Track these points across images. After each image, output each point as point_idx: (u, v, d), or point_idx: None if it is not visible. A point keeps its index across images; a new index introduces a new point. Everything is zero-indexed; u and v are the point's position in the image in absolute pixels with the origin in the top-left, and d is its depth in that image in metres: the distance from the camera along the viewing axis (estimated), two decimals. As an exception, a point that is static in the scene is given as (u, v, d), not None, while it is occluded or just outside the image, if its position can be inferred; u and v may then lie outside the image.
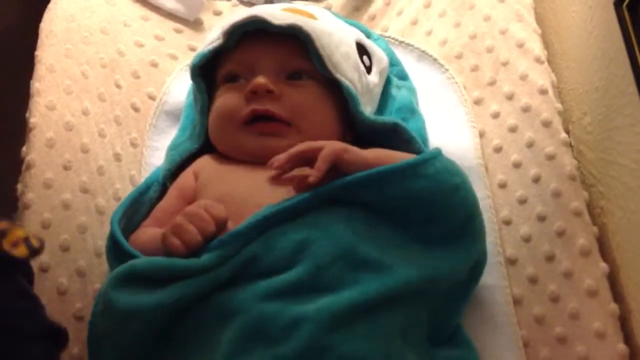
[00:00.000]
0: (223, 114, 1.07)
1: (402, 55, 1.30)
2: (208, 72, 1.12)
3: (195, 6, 1.37)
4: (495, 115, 1.19)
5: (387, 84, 1.21)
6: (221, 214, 0.90)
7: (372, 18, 1.41)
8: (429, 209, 0.94)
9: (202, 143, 1.12)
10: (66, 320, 0.98)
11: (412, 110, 1.19)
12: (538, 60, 1.20)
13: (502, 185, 1.13)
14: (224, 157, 1.08)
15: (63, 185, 1.07)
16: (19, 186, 1.06)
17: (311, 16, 1.10)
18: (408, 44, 1.33)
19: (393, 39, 1.35)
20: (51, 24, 1.24)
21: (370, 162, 0.96)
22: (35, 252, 0.83)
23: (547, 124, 1.14)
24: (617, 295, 1.01)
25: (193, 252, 0.88)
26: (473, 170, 1.15)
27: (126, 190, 1.13)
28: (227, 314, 0.86)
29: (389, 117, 1.12)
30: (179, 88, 1.26)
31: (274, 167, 0.95)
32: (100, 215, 1.09)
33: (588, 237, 1.04)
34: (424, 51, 1.31)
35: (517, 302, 1.04)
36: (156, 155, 1.19)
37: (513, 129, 1.16)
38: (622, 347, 0.96)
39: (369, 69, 1.14)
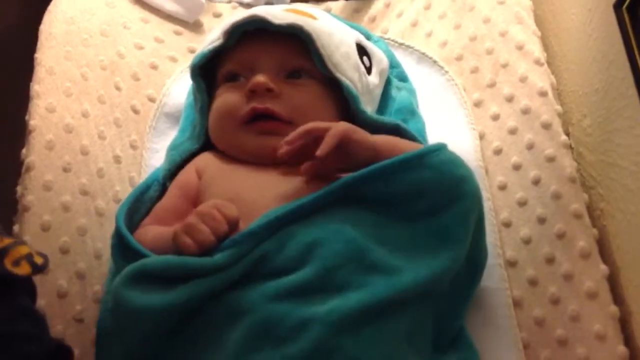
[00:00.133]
0: (223, 112, 1.07)
1: (402, 57, 1.30)
2: (208, 72, 1.12)
3: (195, 8, 1.37)
4: (495, 117, 1.20)
5: (387, 85, 1.21)
6: (234, 214, 0.90)
7: (372, 20, 1.41)
8: (434, 199, 0.94)
9: (202, 143, 1.12)
10: (66, 322, 0.98)
11: (412, 112, 1.19)
12: (538, 62, 1.21)
13: (502, 187, 1.13)
14: (227, 156, 1.08)
15: (63, 187, 1.07)
16: (19, 188, 1.06)
17: (311, 17, 1.11)
18: (408, 46, 1.33)
19: (393, 40, 1.35)
20: (51, 26, 1.24)
21: (379, 146, 0.97)
22: (38, 269, 0.83)
23: (547, 126, 1.14)
24: (617, 297, 1.01)
25: (205, 251, 0.88)
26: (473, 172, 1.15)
27: (126, 193, 1.13)
28: (236, 314, 0.86)
29: (390, 118, 1.12)
30: (179, 90, 1.26)
31: (284, 142, 0.95)
32: (100, 217, 1.09)
33: (588, 239, 1.04)
34: (423, 53, 1.32)
35: (517, 304, 1.04)
36: (156, 157, 1.19)
37: (513, 131, 1.16)
38: (622, 349, 0.96)
39: (369, 70, 1.14)
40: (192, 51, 1.34)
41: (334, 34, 1.09)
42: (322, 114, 1.07)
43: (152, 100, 1.25)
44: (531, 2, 1.30)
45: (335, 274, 0.87)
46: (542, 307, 1.02)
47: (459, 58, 1.28)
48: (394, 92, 1.20)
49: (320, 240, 0.89)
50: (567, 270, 1.03)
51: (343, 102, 1.09)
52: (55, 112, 1.13)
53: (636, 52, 0.94)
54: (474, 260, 0.99)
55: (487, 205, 1.11)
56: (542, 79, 1.19)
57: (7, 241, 0.81)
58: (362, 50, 1.15)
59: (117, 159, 1.16)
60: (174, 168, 1.09)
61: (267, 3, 1.43)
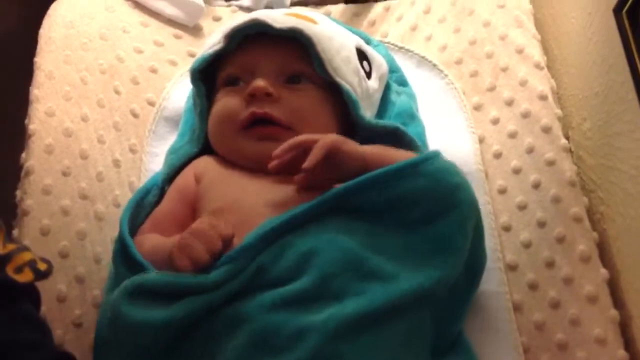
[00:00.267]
0: (222, 117, 1.07)
1: (401, 61, 1.30)
2: (208, 76, 1.12)
3: (194, 12, 1.37)
4: (495, 121, 1.19)
5: (387, 89, 1.21)
6: (228, 231, 0.90)
7: (372, 24, 1.41)
8: (430, 207, 0.94)
9: (201, 147, 1.12)
10: (65, 327, 0.98)
11: (411, 116, 1.19)
12: (538, 66, 1.21)
13: (502, 191, 1.13)
14: (225, 161, 1.08)
15: (62, 191, 1.07)
16: (18, 192, 1.06)
17: (312, 21, 1.11)
18: (408, 50, 1.33)
19: (393, 44, 1.35)
20: (50, 30, 1.24)
21: (368, 156, 0.96)
22: (41, 275, 0.83)
23: (546, 130, 1.13)
24: (618, 301, 1.01)
25: (201, 269, 0.88)
26: (473, 176, 1.15)
27: (125, 197, 1.13)
28: (234, 325, 0.86)
29: (389, 121, 1.11)
30: (179, 94, 1.26)
31: (273, 155, 0.96)
32: (99, 221, 1.08)
33: (588, 243, 1.04)
34: (423, 57, 1.32)
35: (517, 308, 1.04)
36: (155, 161, 1.18)
37: (513, 135, 1.16)
38: (622, 353, 0.96)
39: (368, 75, 1.15)
40: (191, 55, 1.34)
41: (334, 38, 1.09)
42: (321, 119, 1.07)
43: (151, 104, 1.25)
44: (531, 6, 1.30)
45: (332, 283, 0.87)
46: (542, 311, 1.02)
47: (459, 62, 1.28)
48: (393, 97, 1.20)
49: (316, 250, 0.88)
50: (567, 274, 1.03)
51: (342, 107, 1.09)
52: (55, 116, 1.13)
53: (636, 56, 0.94)
54: (473, 265, 0.99)
55: (486, 209, 1.11)
56: (542, 82, 1.19)
57: (10, 247, 0.81)
58: (362, 55, 1.15)
59: (116, 163, 1.15)
60: (173, 172, 1.09)
61: (266, 6, 1.43)
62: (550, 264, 1.04)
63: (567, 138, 1.14)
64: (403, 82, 1.25)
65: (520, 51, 1.23)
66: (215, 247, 0.88)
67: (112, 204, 1.11)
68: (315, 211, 0.92)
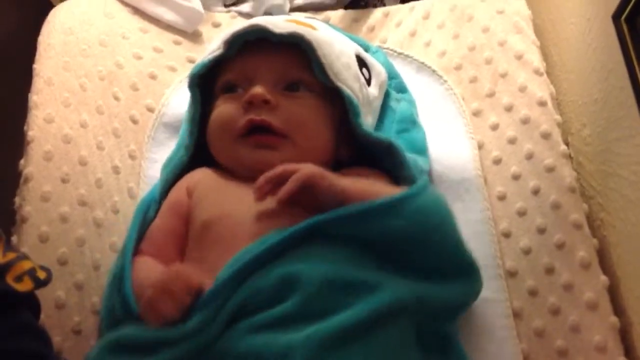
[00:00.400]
0: (221, 124, 1.07)
1: (401, 67, 1.30)
2: (207, 82, 1.12)
3: (194, 18, 1.37)
4: (495, 127, 1.19)
5: (387, 97, 1.21)
6: (194, 282, 0.87)
7: (371, 29, 1.41)
8: (407, 247, 0.93)
9: (191, 153, 1.11)
10: (64, 334, 0.98)
11: (413, 122, 1.19)
12: (537, 72, 1.21)
13: (502, 197, 1.13)
14: (220, 171, 1.07)
15: (61, 198, 1.07)
16: (17, 199, 1.06)
17: (311, 27, 1.10)
18: (407, 56, 1.33)
19: (392, 50, 1.35)
20: (49, 36, 1.24)
21: (348, 191, 0.94)
22: (41, 283, 0.83)
23: (546, 136, 1.13)
24: (618, 308, 1.01)
25: (174, 322, 0.86)
26: (472, 181, 1.15)
27: (124, 203, 1.13)
28: (219, 355, 0.85)
29: (386, 136, 1.10)
30: (178, 100, 1.26)
31: (254, 191, 0.94)
32: (98, 227, 1.08)
33: (588, 249, 1.04)
34: (422, 62, 1.32)
35: (517, 315, 1.03)
36: (155, 167, 1.18)
37: (512, 141, 1.16)
38: (622, 360, 0.96)
39: (368, 82, 1.14)
40: (191, 61, 1.33)
41: (334, 45, 1.09)
42: (318, 128, 1.06)
43: (150, 110, 1.25)
44: (530, 12, 1.30)
45: (316, 301, 0.86)
46: (542, 317, 1.02)
47: (458, 68, 1.28)
48: (393, 104, 1.20)
49: (296, 272, 0.87)
50: (567, 280, 1.02)
51: (341, 116, 1.08)
52: (54, 123, 1.13)
53: (635, 63, 0.94)
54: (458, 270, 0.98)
55: (486, 215, 1.11)
56: (541, 88, 1.19)
57: (10, 256, 0.82)
58: (361, 62, 1.14)
59: (115, 170, 1.15)
60: (168, 186, 1.08)
61: (266, 12, 1.43)
62: (550, 271, 1.04)
63: (567, 144, 1.14)
64: (402, 89, 1.25)
65: (519, 57, 1.23)
66: (183, 302, 0.86)
67: (111, 210, 1.11)
68: (290, 241, 0.91)
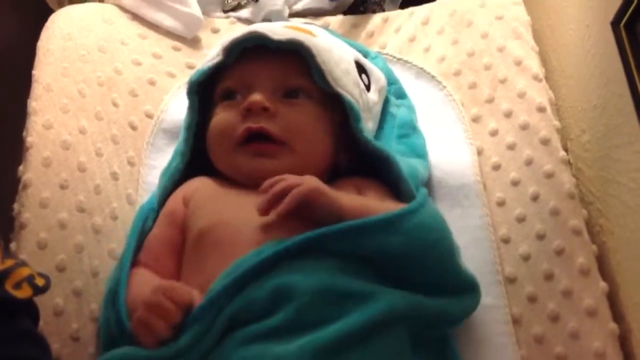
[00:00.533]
0: (220, 131, 1.07)
1: (400, 72, 1.30)
2: (206, 89, 1.11)
3: (193, 24, 1.37)
4: (494, 133, 1.19)
5: (386, 102, 1.21)
6: (184, 298, 0.87)
7: (370, 35, 1.41)
8: (404, 264, 0.93)
9: (191, 160, 1.11)
10: (62, 341, 0.98)
11: (413, 127, 1.19)
12: (536, 77, 1.21)
13: (501, 203, 1.13)
14: (218, 179, 1.07)
15: (59, 204, 1.07)
16: (16, 206, 1.06)
17: (310, 33, 1.11)
18: (406, 61, 1.33)
19: (391, 56, 1.35)
20: (48, 42, 1.24)
21: (345, 210, 0.94)
22: (40, 290, 0.83)
23: (545, 142, 1.13)
24: (617, 314, 1.00)
25: (166, 339, 0.86)
26: (471, 187, 1.15)
27: (123, 209, 1.13)
28: None
29: (385, 147, 1.09)
30: (177, 106, 1.25)
31: (257, 207, 0.94)
32: (97, 234, 1.08)
33: (587, 255, 1.03)
34: (421, 68, 1.32)
35: (516, 321, 1.03)
36: (153, 173, 1.17)
37: (511, 147, 1.16)
38: (622, 366, 0.96)
39: (367, 87, 1.14)
40: (190, 67, 1.33)
41: (334, 51, 1.09)
42: (317, 135, 1.06)
43: (149, 116, 1.25)
44: (529, 17, 1.30)
45: (309, 312, 0.86)
46: (541, 324, 1.02)
47: (457, 73, 1.28)
48: (393, 110, 1.20)
49: (289, 283, 0.87)
50: (567, 286, 1.02)
51: (340, 122, 1.08)
52: (53, 129, 1.13)
53: (634, 69, 0.94)
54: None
55: (485, 221, 1.11)
56: (540, 94, 1.19)
57: (8, 263, 0.82)
58: (360, 68, 1.15)
59: (114, 176, 1.15)
60: (166, 194, 1.08)
61: (265, 18, 1.43)
62: (549, 277, 1.04)
63: (566, 150, 1.14)
64: (401, 94, 1.25)
65: (518, 63, 1.23)
66: (174, 320, 0.86)
67: (109, 216, 1.11)
68: (285, 254, 0.90)
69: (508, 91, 1.21)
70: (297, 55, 1.06)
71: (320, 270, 0.90)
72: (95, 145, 1.16)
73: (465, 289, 0.99)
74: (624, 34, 0.96)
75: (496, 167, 1.16)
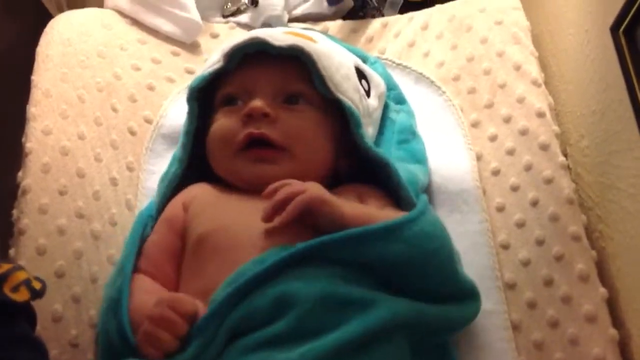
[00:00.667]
0: (220, 137, 1.07)
1: (399, 78, 1.30)
2: (206, 95, 1.11)
3: (192, 29, 1.37)
4: (493, 138, 1.19)
5: (386, 108, 1.21)
6: (188, 308, 0.87)
7: (370, 40, 1.41)
8: (405, 272, 0.94)
9: (190, 166, 1.10)
10: (61, 347, 0.98)
11: (413, 132, 1.19)
12: (535, 83, 1.20)
13: (500, 209, 1.12)
14: (217, 185, 1.07)
15: (58, 210, 1.07)
16: (15, 212, 1.06)
17: (310, 39, 1.10)
18: (405, 66, 1.33)
19: (390, 61, 1.35)
20: (48, 48, 1.24)
21: (347, 218, 0.94)
22: (37, 294, 0.83)
23: (544, 147, 1.13)
24: (617, 320, 1.00)
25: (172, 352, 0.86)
26: (471, 193, 1.15)
27: (122, 215, 1.12)
28: None
29: (386, 154, 1.09)
30: (176, 111, 1.25)
31: (262, 216, 0.94)
32: (96, 240, 1.08)
33: (587, 261, 1.03)
34: (421, 73, 1.31)
35: (515, 327, 1.03)
36: (152, 179, 1.17)
37: (511, 152, 1.16)
38: (621, 372, 0.96)
39: (367, 93, 1.14)
40: (189, 72, 1.33)
41: (334, 57, 1.09)
42: (318, 141, 1.06)
43: (148, 121, 1.25)
44: (528, 23, 1.30)
45: (310, 319, 0.86)
46: (540, 330, 1.02)
47: (456, 78, 1.28)
48: (393, 115, 1.20)
49: (290, 291, 0.87)
50: (566, 292, 1.02)
51: (341, 128, 1.08)
52: (52, 135, 1.13)
53: (633, 76, 0.94)
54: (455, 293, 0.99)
55: (484, 227, 1.11)
56: (539, 99, 1.18)
57: (5, 267, 0.82)
58: (360, 74, 1.14)
59: (113, 181, 1.15)
60: (165, 200, 1.08)
61: (264, 23, 1.43)
62: (548, 283, 1.04)
63: (565, 155, 1.14)
64: (401, 100, 1.25)
65: (517, 68, 1.23)
66: (181, 331, 0.86)
67: (108, 222, 1.11)
68: (286, 262, 0.90)
69: (507, 96, 1.21)
70: (298, 61, 1.06)
71: (321, 277, 0.90)
72: (95, 150, 1.16)
73: (465, 296, 0.99)
74: (623, 40, 0.96)
75: (495, 173, 1.16)
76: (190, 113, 1.10)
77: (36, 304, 0.91)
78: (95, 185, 1.12)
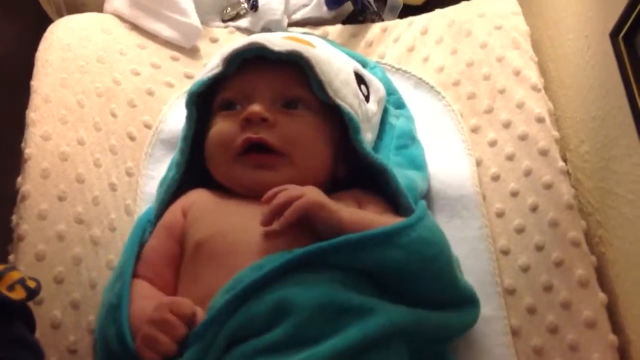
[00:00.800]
0: (219, 142, 1.06)
1: (399, 82, 1.30)
2: (205, 101, 1.11)
3: (191, 34, 1.37)
4: (493, 144, 1.19)
5: (385, 113, 1.21)
6: (188, 311, 0.87)
7: (369, 45, 1.41)
8: (403, 278, 0.94)
9: (189, 171, 1.10)
10: (60, 353, 0.98)
11: (412, 138, 1.19)
12: (535, 88, 1.20)
13: (500, 214, 1.12)
14: (216, 190, 1.07)
15: (58, 216, 1.07)
16: (14, 217, 1.06)
17: (309, 44, 1.10)
18: (405, 71, 1.33)
19: (390, 65, 1.35)
20: (47, 53, 1.24)
21: (345, 224, 0.94)
22: (32, 293, 0.83)
23: (544, 153, 1.13)
24: (616, 325, 1.00)
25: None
26: (470, 198, 1.15)
27: (121, 220, 1.12)
28: None
29: (384, 160, 1.09)
30: (176, 116, 1.25)
31: (261, 221, 0.95)
32: (95, 246, 1.08)
33: (586, 267, 1.03)
34: (420, 78, 1.31)
35: (515, 332, 1.03)
36: (152, 184, 1.17)
37: (510, 157, 1.16)
38: (621, 378, 0.96)
39: (366, 98, 1.14)
40: (189, 77, 1.33)
41: (333, 62, 1.09)
42: (317, 146, 1.06)
43: (148, 126, 1.25)
44: (528, 27, 1.30)
45: (308, 326, 0.86)
46: (540, 336, 1.02)
47: (456, 83, 1.28)
48: (392, 120, 1.20)
49: (288, 297, 0.87)
50: (566, 298, 1.02)
51: (339, 133, 1.08)
52: (51, 140, 1.13)
53: (632, 82, 0.94)
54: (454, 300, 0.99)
55: (484, 232, 1.11)
56: (539, 105, 1.18)
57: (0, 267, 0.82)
58: (359, 79, 1.14)
59: (112, 187, 1.15)
60: (163, 206, 1.08)
61: (264, 27, 1.43)
62: (548, 289, 1.04)
63: (565, 160, 1.14)
64: (400, 105, 1.25)
65: (517, 73, 1.23)
66: (180, 333, 0.86)
67: (107, 228, 1.11)
68: (283, 268, 0.90)
69: (507, 101, 1.21)
70: (297, 66, 1.06)
71: (320, 283, 0.90)
72: (94, 156, 1.16)
73: (464, 302, 0.98)
74: (622, 46, 0.96)
75: (495, 178, 1.16)
76: (189, 118, 1.10)
77: (35, 310, 0.92)
78: (95, 191, 1.12)
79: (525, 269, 1.06)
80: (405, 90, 1.29)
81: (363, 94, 1.13)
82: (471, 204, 1.14)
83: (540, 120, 1.17)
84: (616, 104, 1.00)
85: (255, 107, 1.03)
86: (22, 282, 0.84)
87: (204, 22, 1.41)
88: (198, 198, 1.07)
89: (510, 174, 1.15)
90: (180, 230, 1.03)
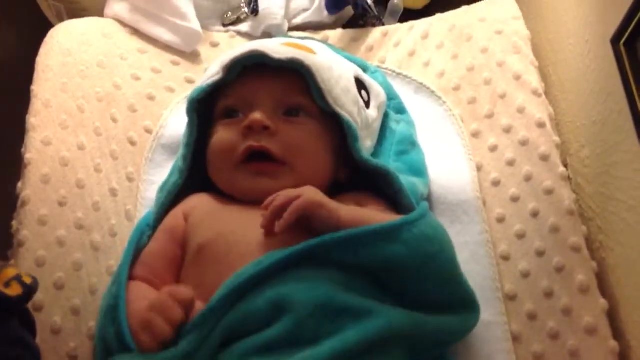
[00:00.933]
0: (220, 150, 1.07)
1: (399, 87, 1.30)
2: (205, 107, 1.11)
3: (192, 38, 1.37)
4: (493, 149, 1.19)
5: (386, 118, 1.21)
6: (186, 297, 0.88)
7: (370, 49, 1.41)
8: (403, 274, 0.94)
9: (189, 176, 1.10)
10: (60, 359, 0.97)
11: (412, 143, 1.19)
12: (535, 93, 1.20)
13: (501, 220, 1.12)
14: (216, 196, 1.07)
15: (58, 221, 1.06)
16: (14, 223, 1.06)
17: (310, 51, 1.10)
18: (406, 76, 1.33)
19: (390, 70, 1.35)
20: (47, 58, 1.24)
21: (344, 222, 0.94)
22: (29, 289, 0.84)
23: (545, 158, 1.13)
24: (617, 331, 1.00)
25: (167, 344, 0.86)
26: (471, 203, 1.14)
27: (121, 225, 1.12)
28: None
29: (384, 162, 1.10)
30: (176, 121, 1.25)
31: (262, 225, 0.95)
32: (96, 251, 1.08)
33: (587, 273, 1.03)
34: (421, 83, 1.31)
35: (515, 338, 1.03)
36: (152, 189, 1.17)
37: (511, 163, 1.16)
38: (622, 385, 0.96)
39: (367, 104, 1.14)
40: (189, 81, 1.33)
41: (333, 69, 1.09)
42: (318, 154, 1.06)
43: (148, 131, 1.25)
44: (528, 32, 1.30)
45: (306, 326, 0.86)
46: (541, 342, 1.01)
47: (457, 88, 1.28)
48: (393, 125, 1.20)
49: (287, 295, 0.87)
50: (566, 304, 1.02)
51: (340, 140, 1.08)
52: (51, 145, 1.13)
53: (633, 87, 0.94)
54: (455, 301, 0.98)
55: (484, 237, 1.11)
56: (540, 109, 1.18)
57: None
58: (360, 84, 1.14)
59: (113, 192, 1.15)
60: (163, 211, 1.08)
61: (264, 32, 1.43)
62: (549, 294, 1.04)
63: (566, 165, 1.14)
64: (401, 110, 1.25)
65: (517, 78, 1.23)
66: (176, 316, 0.86)
67: (108, 233, 1.10)
68: (284, 263, 0.91)
69: (507, 106, 1.21)
70: (298, 74, 1.05)
71: (319, 281, 0.90)
72: (95, 161, 1.15)
73: (465, 306, 0.98)
74: (623, 52, 0.96)
75: (496, 183, 1.16)
76: (190, 125, 1.10)
77: (35, 316, 0.92)
78: (95, 196, 1.12)
79: (525, 275, 1.06)
80: (406, 95, 1.29)
81: (364, 100, 1.13)
82: (472, 209, 1.14)
83: (541, 125, 1.16)
84: (616, 109, 1.00)
85: (257, 115, 1.03)
86: (18, 278, 0.84)
87: (205, 27, 1.42)
88: (199, 202, 1.07)
89: (511, 179, 1.15)
90: (182, 234, 1.03)
